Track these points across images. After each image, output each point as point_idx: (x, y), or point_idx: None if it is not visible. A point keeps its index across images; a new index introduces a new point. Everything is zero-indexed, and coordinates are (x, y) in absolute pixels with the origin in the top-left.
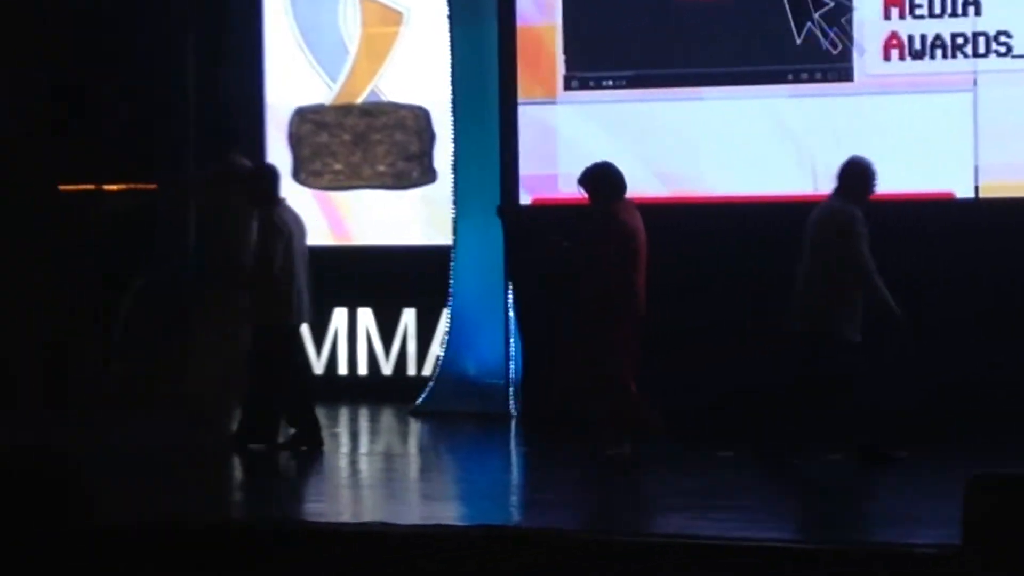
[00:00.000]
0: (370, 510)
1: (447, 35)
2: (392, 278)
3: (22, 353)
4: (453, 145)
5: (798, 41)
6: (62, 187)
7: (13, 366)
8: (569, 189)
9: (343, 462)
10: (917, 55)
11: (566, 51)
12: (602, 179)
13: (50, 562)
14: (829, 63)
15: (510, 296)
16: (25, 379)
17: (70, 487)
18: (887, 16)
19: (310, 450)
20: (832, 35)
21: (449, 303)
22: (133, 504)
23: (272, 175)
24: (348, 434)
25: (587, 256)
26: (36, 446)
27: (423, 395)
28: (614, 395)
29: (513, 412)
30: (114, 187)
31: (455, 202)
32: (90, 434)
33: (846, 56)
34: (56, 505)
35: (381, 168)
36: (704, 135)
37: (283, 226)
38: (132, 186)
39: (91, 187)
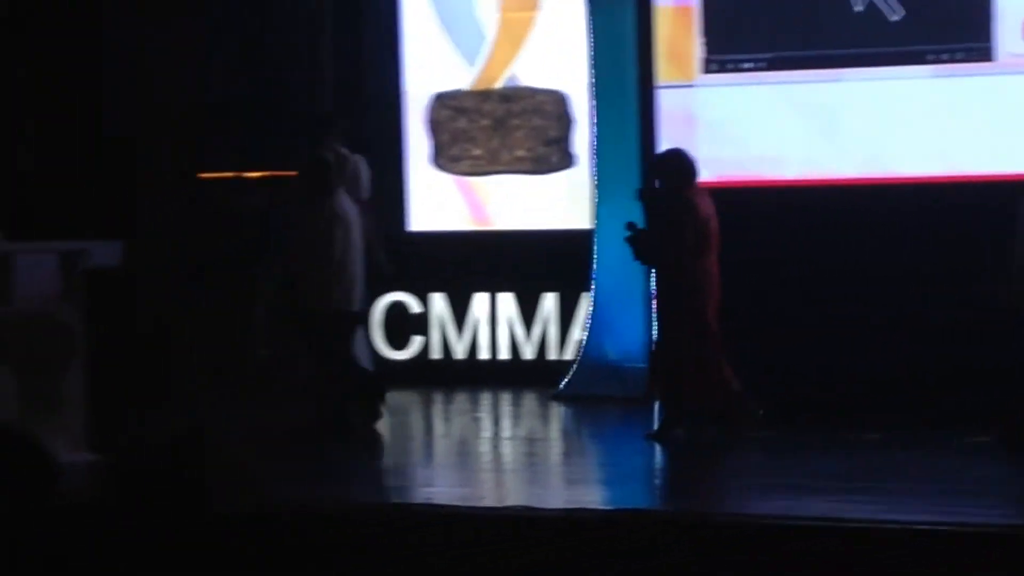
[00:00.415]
0: (513, 494)
1: (584, 19)
2: (533, 263)
3: (173, 341)
4: (592, 130)
5: (936, 21)
6: (203, 175)
7: (165, 354)
8: (708, 173)
9: (486, 447)
10: None
11: (705, 34)
12: (673, 166)
13: (214, 543)
14: (969, 43)
15: (651, 280)
16: (179, 366)
17: (235, 470)
18: None
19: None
20: (971, 14)
21: (590, 287)
22: (288, 487)
23: (331, 164)
24: (490, 419)
25: (661, 242)
26: (198, 431)
27: (565, 379)
28: (691, 377)
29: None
30: (255, 174)
31: (595, 186)
32: (246, 419)
33: (986, 36)
34: (221, 487)
35: (520, 153)
36: (843, 117)
37: (344, 215)
38: (273, 174)
39: (231, 175)
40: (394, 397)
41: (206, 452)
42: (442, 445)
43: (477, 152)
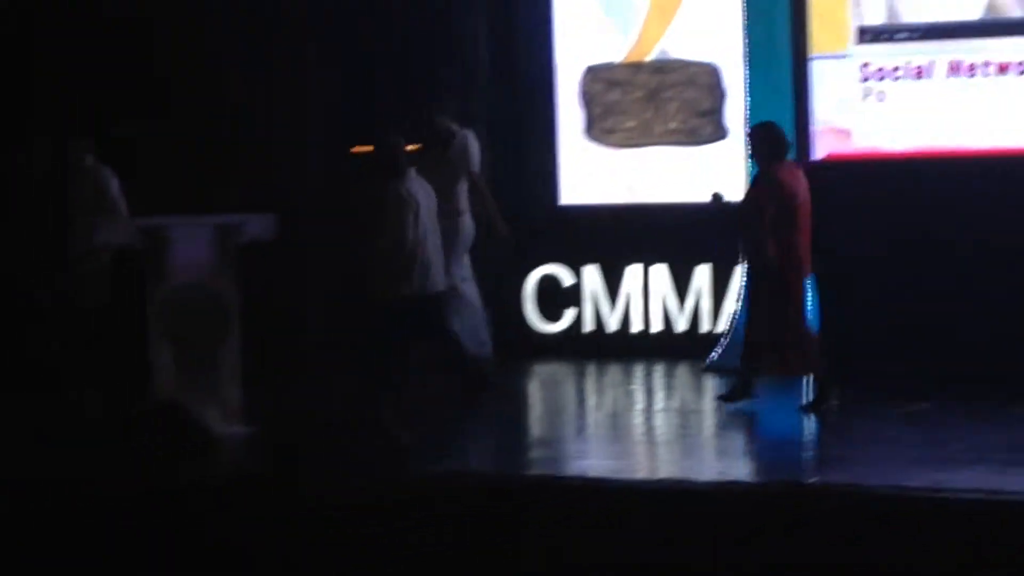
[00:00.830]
0: (667, 466)
1: None
2: (686, 235)
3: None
4: (745, 101)
5: None
6: (356, 149)
7: (301, 328)
8: (863, 144)
9: (639, 419)
10: None
11: (859, 3)
12: (762, 139)
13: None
14: None
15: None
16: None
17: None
18: None
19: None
20: None
21: (743, 259)
22: (443, 460)
23: (398, 146)
24: (643, 391)
25: (747, 215)
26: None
27: (717, 351)
28: (791, 348)
29: None
30: (410, 147)
31: (748, 158)
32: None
33: None
34: (377, 458)
35: (673, 125)
36: (999, 87)
37: (410, 198)
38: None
39: None
40: (546, 370)
41: (381, 424)
42: (595, 417)
43: (630, 124)
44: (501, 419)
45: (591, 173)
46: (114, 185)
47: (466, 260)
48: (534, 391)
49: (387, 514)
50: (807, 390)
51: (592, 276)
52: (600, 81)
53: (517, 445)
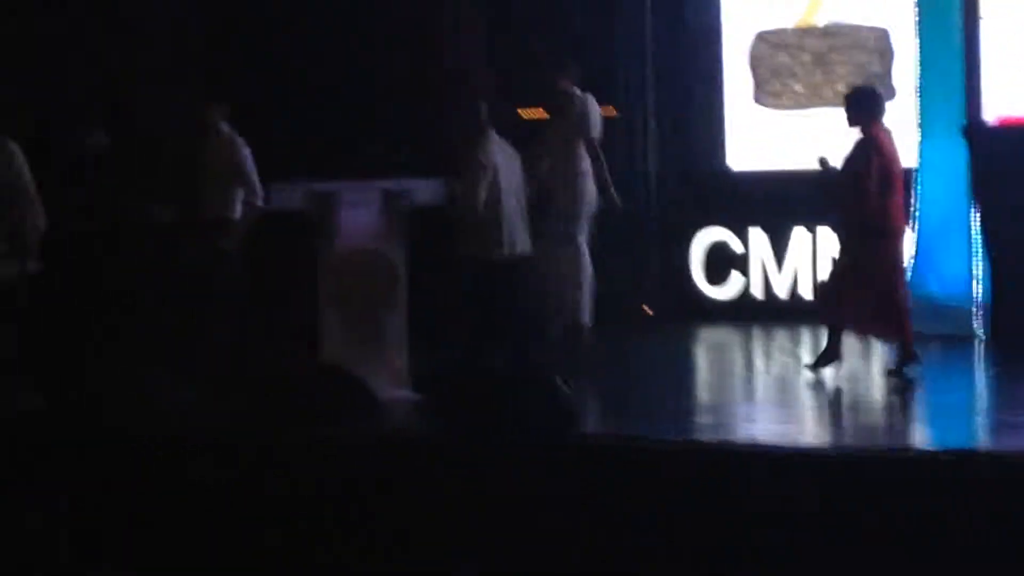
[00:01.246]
0: (835, 433)
1: None
2: None
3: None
4: (916, 65)
5: None
6: (523, 111)
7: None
8: None
9: (803, 385)
10: None
11: None
12: (862, 101)
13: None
14: None
15: (975, 216)
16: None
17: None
18: None
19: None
20: None
21: (914, 224)
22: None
23: (479, 108)
24: (811, 357)
25: (848, 177)
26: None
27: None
28: (892, 312)
29: (979, 333)
30: (532, 112)
31: (919, 123)
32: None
33: None
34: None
35: (842, 88)
36: None
37: (487, 161)
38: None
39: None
40: (714, 334)
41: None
42: (762, 382)
43: (798, 87)
44: (667, 383)
45: (758, 137)
46: (247, 154)
47: (584, 223)
48: (701, 355)
49: (555, 476)
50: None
51: (759, 240)
52: (768, 44)
53: (684, 409)
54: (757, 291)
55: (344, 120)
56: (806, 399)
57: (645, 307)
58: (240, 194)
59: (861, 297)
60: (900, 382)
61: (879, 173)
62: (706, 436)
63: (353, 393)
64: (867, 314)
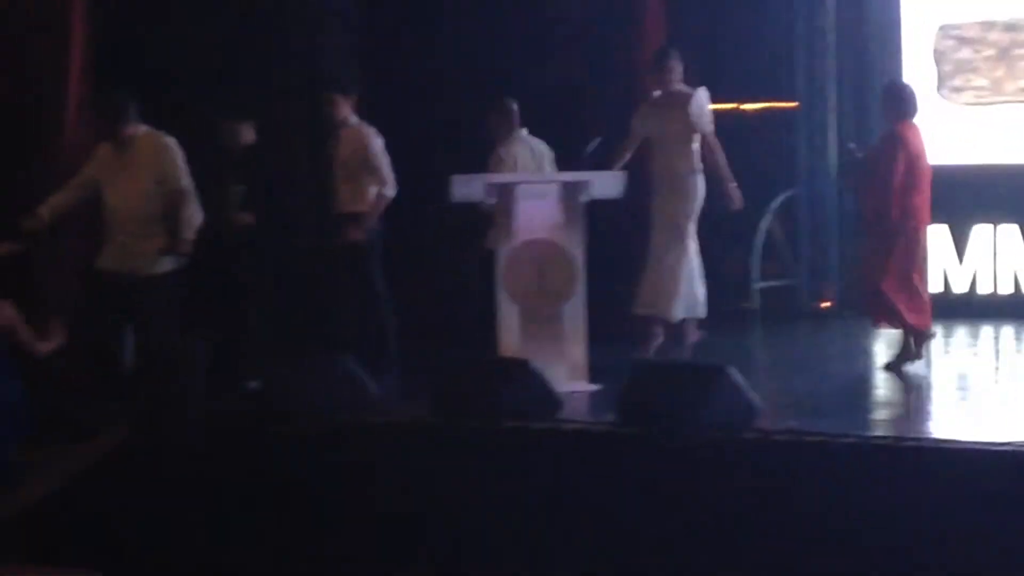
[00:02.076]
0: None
1: None
2: None
3: None
4: None
5: None
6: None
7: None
8: None
9: (985, 382)
10: None
11: None
12: (893, 97)
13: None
14: None
15: None
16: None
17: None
18: None
19: None
20: None
21: None
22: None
23: (502, 108)
24: (991, 353)
25: (873, 170)
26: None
27: None
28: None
29: None
30: (755, 106)
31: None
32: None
33: None
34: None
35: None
36: None
37: (507, 156)
38: (774, 105)
39: (732, 106)
40: (891, 331)
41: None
42: (940, 379)
43: (980, 82)
44: (842, 379)
45: (939, 132)
46: (378, 145)
47: (695, 219)
48: (880, 351)
49: (734, 471)
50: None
51: (939, 234)
52: (950, 38)
53: (859, 406)
54: (936, 286)
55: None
56: (986, 397)
57: (823, 301)
58: (372, 186)
59: (881, 288)
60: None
61: (905, 169)
62: (880, 431)
63: (531, 385)
64: (885, 304)
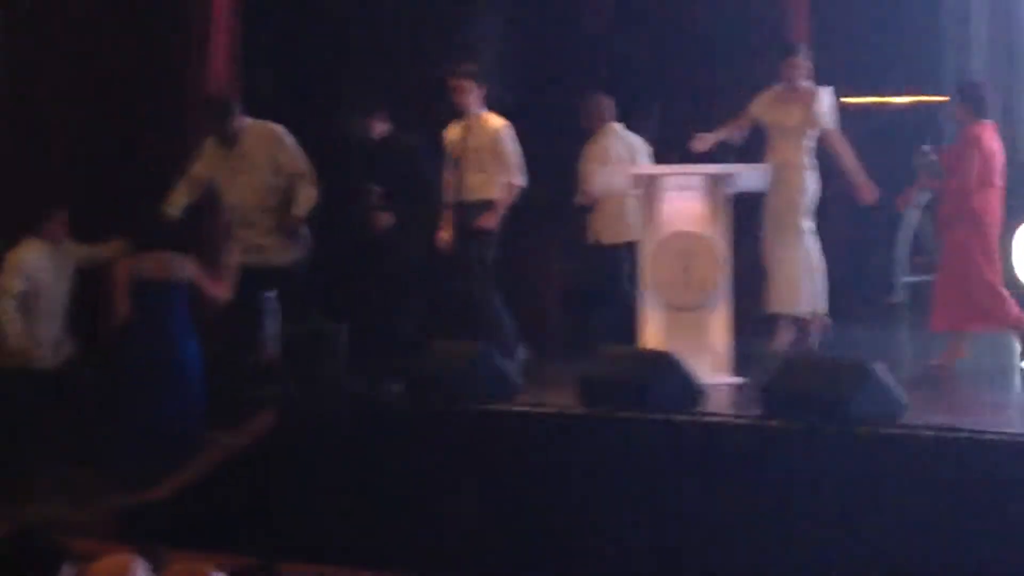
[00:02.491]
0: None
1: None
2: None
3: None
4: None
5: None
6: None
7: None
8: None
9: None
10: None
11: None
12: (970, 96)
13: None
14: None
15: None
16: None
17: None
18: None
19: None
20: None
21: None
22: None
23: (592, 102)
24: None
25: (950, 171)
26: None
27: None
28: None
29: None
30: (902, 100)
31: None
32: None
33: None
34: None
35: None
36: None
37: (597, 149)
38: (922, 99)
39: (878, 100)
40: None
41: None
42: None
43: None
44: (987, 376)
45: None
46: (506, 134)
47: (811, 214)
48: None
49: (880, 466)
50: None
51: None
52: None
53: (1004, 403)
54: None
55: (674, 105)
56: None
57: None
58: (501, 175)
59: (959, 291)
60: None
61: (981, 168)
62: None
63: (675, 377)
64: (967, 308)
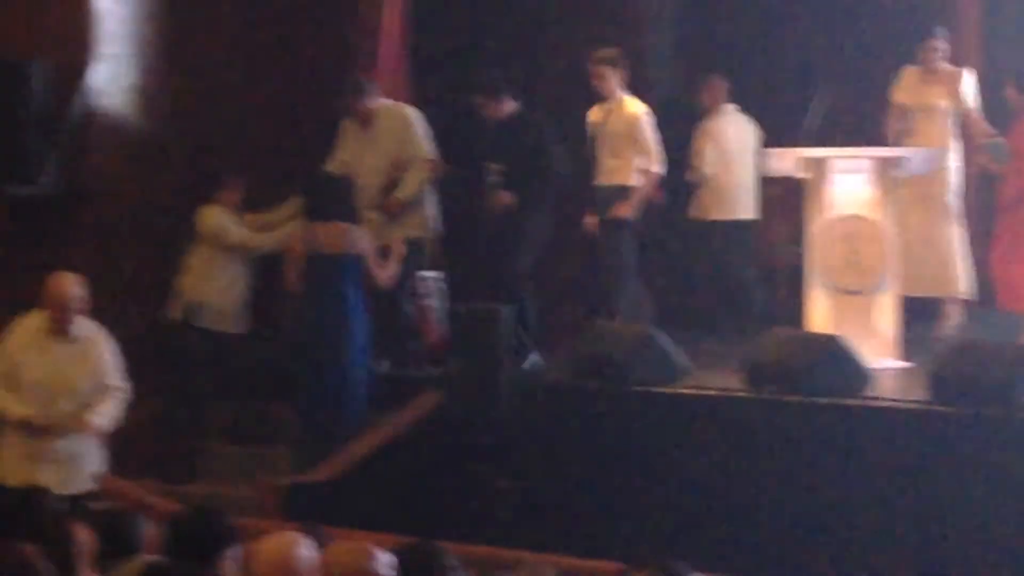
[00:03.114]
0: None
1: None
2: None
3: None
4: None
5: None
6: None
7: None
8: None
9: None
10: None
11: None
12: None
13: None
14: None
15: None
16: None
17: None
18: None
19: None
20: None
21: None
22: None
23: (709, 83)
24: None
25: (1016, 153)
26: None
27: None
28: None
29: None
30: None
31: None
32: None
33: None
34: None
35: None
36: None
37: (711, 129)
38: None
39: None
40: None
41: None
42: None
43: None
44: None
45: None
46: (646, 121)
47: (955, 193)
48: None
49: None
50: None
51: None
52: None
53: None
54: None
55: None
56: None
57: None
58: (638, 161)
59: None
60: None
61: None
62: None
63: (842, 361)
64: None
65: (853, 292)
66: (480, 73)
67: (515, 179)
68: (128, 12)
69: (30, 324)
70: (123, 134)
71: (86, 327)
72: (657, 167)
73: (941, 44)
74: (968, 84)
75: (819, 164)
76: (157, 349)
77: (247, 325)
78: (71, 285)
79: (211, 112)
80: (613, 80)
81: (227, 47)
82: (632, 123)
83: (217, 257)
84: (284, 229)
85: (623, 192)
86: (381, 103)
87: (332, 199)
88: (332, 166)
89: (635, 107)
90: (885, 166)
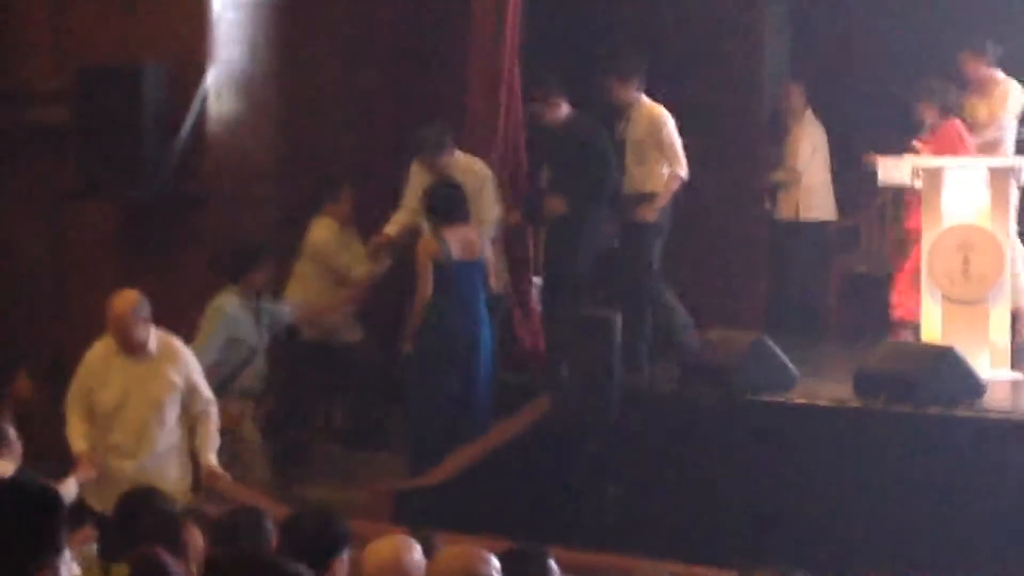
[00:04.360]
0: None
1: None
2: None
3: None
4: None
5: None
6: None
7: None
8: None
9: None
10: None
11: None
12: None
13: None
14: None
15: None
16: None
17: None
18: None
19: None
20: None
21: None
22: None
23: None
24: None
25: None
26: None
27: None
28: None
29: None
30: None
31: None
32: None
33: None
34: None
35: None
36: None
37: (799, 137)
38: None
39: None
40: None
41: None
42: None
43: None
44: None
45: None
46: (670, 127)
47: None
48: None
49: None
50: None
51: None
52: None
53: None
54: None
55: None
56: None
57: None
58: (663, 167)
59: None
60: None
61: None
62: None
63: (955, 372)
64: None
65: (964, 302)
66: (537, 78)
67: (569, 184)
68: (243, 17)
69: (100, 350)
70: (237, 139)
71: (160, 340)
72: (682, 171)
73: (985, 54)
74: (1003, 91)
75: (932, 173)
76: (270, 353)
77: (359, 334)
78: (126, 303)
79: (324, 118)
80: (624, 90)
81: (342, 52)
82: (650, 128)
83: (324, 273)
84: (383, 263)
85: (647, 197)
86: (458, 158)
87: (457, 205)
88: (401, 216)
89: (653, 111)
90: (1000, 175)
